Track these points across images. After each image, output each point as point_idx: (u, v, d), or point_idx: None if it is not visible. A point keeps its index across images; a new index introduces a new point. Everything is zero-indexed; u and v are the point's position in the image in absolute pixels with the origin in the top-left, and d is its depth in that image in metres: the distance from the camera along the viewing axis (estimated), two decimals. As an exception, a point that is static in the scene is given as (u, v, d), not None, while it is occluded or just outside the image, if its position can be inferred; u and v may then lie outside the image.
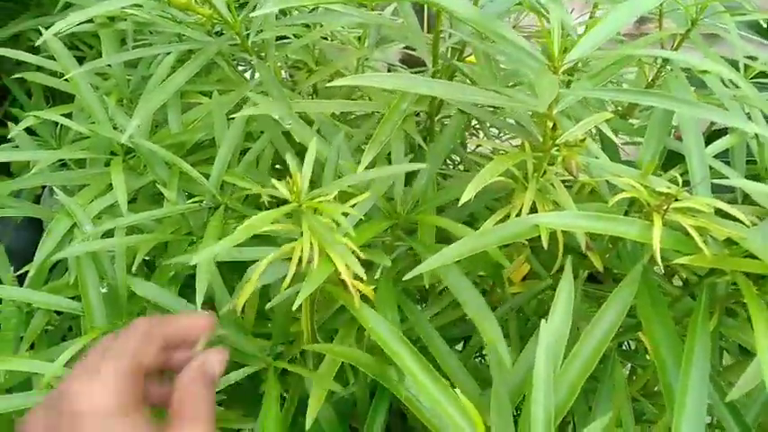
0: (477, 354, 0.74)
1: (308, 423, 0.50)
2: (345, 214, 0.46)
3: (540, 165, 0.46)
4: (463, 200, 0.41)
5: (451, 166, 0.91)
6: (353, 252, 0.44)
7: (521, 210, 0.46)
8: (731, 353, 0.62)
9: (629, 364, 0.66)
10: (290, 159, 0.44)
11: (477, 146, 0.89)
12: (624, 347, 0.69)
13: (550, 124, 0.43)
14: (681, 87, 0.50)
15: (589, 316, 0.44)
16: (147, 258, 0.65)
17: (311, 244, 0.42)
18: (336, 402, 0.61)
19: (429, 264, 0.41)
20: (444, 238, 0.55)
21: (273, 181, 0.43)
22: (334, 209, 0.42)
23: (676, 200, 0.42)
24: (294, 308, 0.41)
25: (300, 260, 0.42)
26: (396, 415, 0.65)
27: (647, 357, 0.63)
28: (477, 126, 0.92)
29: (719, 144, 0.50)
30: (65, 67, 0.65)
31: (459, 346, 0.71)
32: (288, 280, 0.42)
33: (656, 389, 0.63)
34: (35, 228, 1.03)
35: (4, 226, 1.08)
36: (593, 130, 0.59)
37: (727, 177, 0.49)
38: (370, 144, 0.47)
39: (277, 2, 0.46)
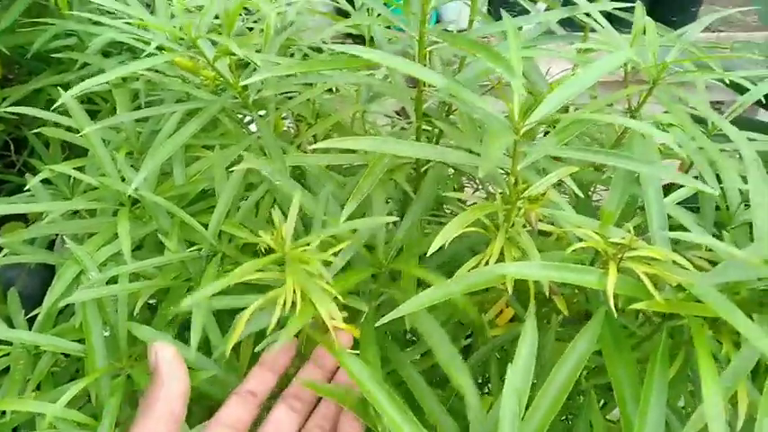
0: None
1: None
2: (329, 263, 0.50)
3: (508, 216, 0.50)
4: (432, 250, 0.44)
5: (449, 212, 0.95)
6: (335, 298, 0.47)
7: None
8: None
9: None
10: (275, 213, 0.48)
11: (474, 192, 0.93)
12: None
13: (512, 180, 0.46)
14: (643, 145, 0.54)
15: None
16: (151, 303, 0.69)
17: (294, 290, 0.46)
18: None
19: (400, 310, 0.44)
20: (429, 284, 0.59)
21: (260, 231, 0.47)
22: (315, 257, 0.46)
23: (632, 249, 0.45)
24: (276, 348, 0.44)
25: (287, 305, 0.46)
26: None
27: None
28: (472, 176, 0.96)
29: (680, 194, 0.54)
30: (79, 123, 0.71)
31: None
32: (272, 325, 0.46)
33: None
34: (47, 273, 1.07)
35: (18, 271, 1.13)
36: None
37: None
38: (352, 196, 0.51)
39: (268, 70, 0.51)
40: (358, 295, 0.62)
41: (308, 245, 0.48)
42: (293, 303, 0.46)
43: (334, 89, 0.99)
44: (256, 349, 0.51)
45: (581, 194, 0.52)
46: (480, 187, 0.91)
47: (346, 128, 0.84)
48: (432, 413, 0.55)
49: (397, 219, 0.53)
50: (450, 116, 0.83)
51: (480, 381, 0.75)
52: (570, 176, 0.52)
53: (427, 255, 0.44)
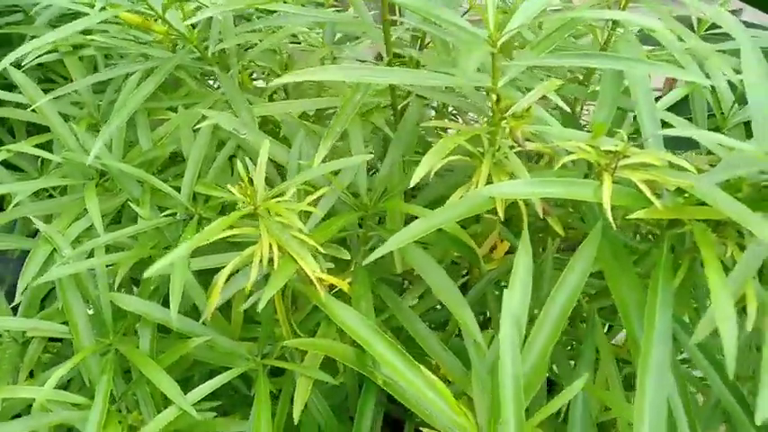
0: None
1: (296, 413, 0.51)
2: (307, 213, 0.47)
3: (493, 139, 0.47)
4: (414, 180, 0.41)
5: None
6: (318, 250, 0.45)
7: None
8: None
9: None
10: (241, 164, 0.44)
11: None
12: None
13: (494, 97, 0.43)
14: (629, 47, 0.50)
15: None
16: (133, 277, 0.66)
17: (270, 245, 0.43)
18: (330, 395, 0.61)
19: (388, 245, 0.41)
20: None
21: (228, 186, 0.44)
22: (289, 208, 0.43)
23: (625, 157, 0.42)
24: (260, 308, 0.42)
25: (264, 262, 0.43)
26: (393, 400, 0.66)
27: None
28: (455, 112, 0.93)
29: (672, 96, 0.51)
30: (30, 97, 0.66)
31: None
32: (250, 283, 0.43)
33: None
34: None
35: (6, 262, 1.09)
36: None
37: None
38: (325, 137, 0.48)
39: (215, 8, 0.46)
40: (346, 242, 0.60)
41: (282, 195, 0.45)
42: (271, 259, 0.43)
43: (300, 39, 0.94)
44: (239, 309, 0.49)
45: (567, 109, 0.49)
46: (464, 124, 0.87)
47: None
48: (433, 353, 0.54)
49: (368, 157, 0.50)
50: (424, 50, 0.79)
51: (480, 321, 0.73)
52: (556, 93, 0.48)
53: (410, 187, 0.41)
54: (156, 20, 0.64)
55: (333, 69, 0.43)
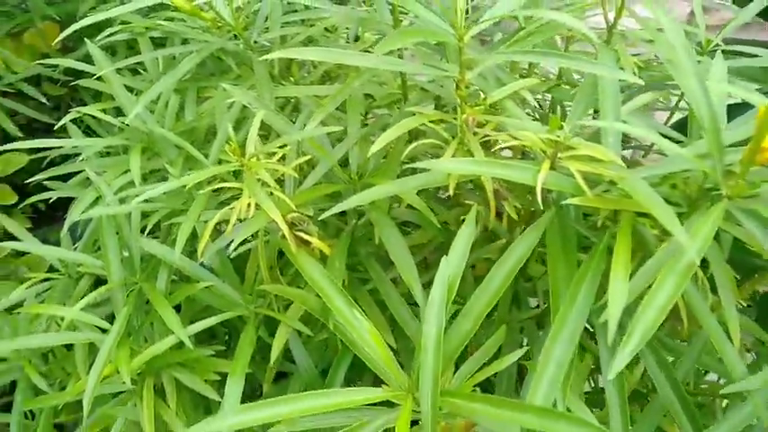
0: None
1: (273, 357, 0.58)
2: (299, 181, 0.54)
3: (461, 126, 0.52)
4: (371, 151, 0.47)
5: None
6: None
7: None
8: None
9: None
10: (228, 127, 0.52)
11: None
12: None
13: (455, 86, 0.48)
14: (606, 54, 0.53)
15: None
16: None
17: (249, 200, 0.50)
18: (315, 349, 0.68)
19: (347, 203, 0.48)
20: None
21: (226, 146, 0.52)
22: (269, 168, 0.50)
23: (572, 149, 0.46)
24: (231, 249, 0.49)
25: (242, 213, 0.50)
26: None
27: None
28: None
29: (637, 101, 0.53)
30: (99, 65, 0.78)
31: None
32: (229, 229, 0.50)
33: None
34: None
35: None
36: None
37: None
38: (317, 111, 0.55)
39: None
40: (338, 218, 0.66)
41: (269, 157, 0.52)
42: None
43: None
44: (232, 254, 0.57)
45: (539, 107, 0.53)
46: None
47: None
48: (402, 320, 0.59)
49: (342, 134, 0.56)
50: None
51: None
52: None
53: (368, 156, 0.47)
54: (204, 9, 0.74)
55: (314, 51, 0.50)
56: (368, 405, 0.44)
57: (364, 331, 0.48)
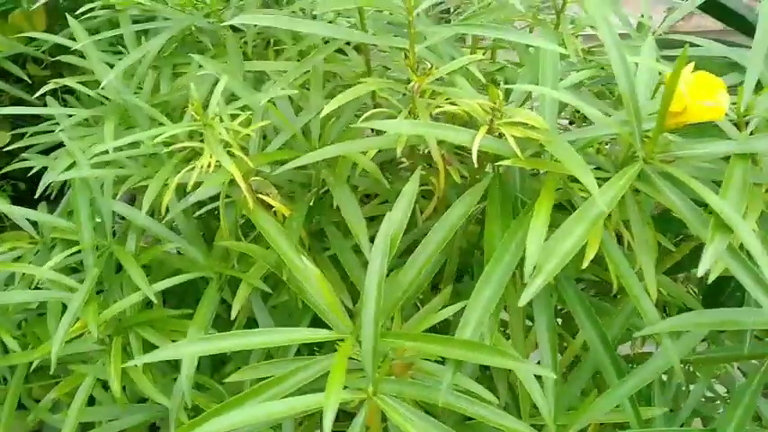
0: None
1: (234, 312, 0.62)
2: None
3: (411, 96, 0.56)
4: (324, 111, 0.51)
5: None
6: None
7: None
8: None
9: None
10: (193, 89, 0.55)
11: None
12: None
13: (404, 55, 0.52)
14: (547, 30, 0.58)
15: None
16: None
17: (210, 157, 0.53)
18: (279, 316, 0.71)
19: (304, 158, 0.51)
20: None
21: (189, 106, 0.55)
22: (225, 126, 0.54)
23: (507, 116, 0.50)
24: (191, 200, 0.53)
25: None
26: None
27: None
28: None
29: (573, 78, 0.57)
30: (78, 37, 0.81)
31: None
32: (190, 184, 0.54)
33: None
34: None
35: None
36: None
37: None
38: (279, 81, 0.58)
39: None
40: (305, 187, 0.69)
41: (221, 119, 0.55)
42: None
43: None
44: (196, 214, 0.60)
45: (484, 81, 0.57)
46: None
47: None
48: (356, 278, 0.62)
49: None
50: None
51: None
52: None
53: (322, 114, 0.50)
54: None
55: (267, 18, 0.54)
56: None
57: (312, 277, 0.51)
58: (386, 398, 0.46)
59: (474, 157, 0.48)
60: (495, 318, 0.47)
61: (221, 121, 0.55)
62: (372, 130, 0.64)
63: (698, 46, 0.60)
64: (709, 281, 0.43)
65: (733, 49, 0.57)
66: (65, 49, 0.90)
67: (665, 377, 0.74)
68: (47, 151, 0.95)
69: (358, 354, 0.48)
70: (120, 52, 1.13)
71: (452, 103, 0.55)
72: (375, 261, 0.48)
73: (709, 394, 0.88)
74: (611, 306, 0.65)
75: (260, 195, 0.60)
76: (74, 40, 0.87)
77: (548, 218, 0.44)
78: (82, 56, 0.90)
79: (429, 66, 0.53)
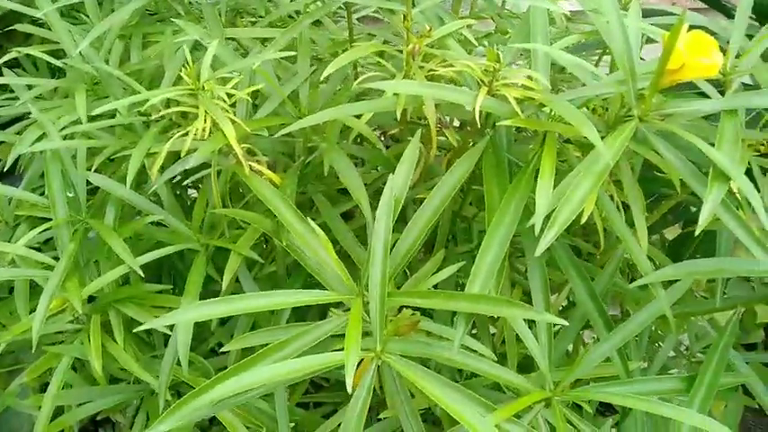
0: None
1: (225, 283, 0.61)
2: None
3: (407, 57, 0.56)
4: (325, 73, 0.50)
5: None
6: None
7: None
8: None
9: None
10: (186, 51, 0.54)
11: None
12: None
13: (402, 17, 0.52)
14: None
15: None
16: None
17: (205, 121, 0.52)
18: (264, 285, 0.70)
19: (295, 125, 0.50)
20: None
21: (182, 71, 0.54)
22: (219, 88, 0.52)
23: (504, 77, 0.51)
24: (189, 165, 0.51)
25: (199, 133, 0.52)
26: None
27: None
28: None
29: (564, 42, 0.58)
30: (41, 6, 0.76)
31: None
32: (185, 149, 0.52)
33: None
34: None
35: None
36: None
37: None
38: (270, 46, 0.57)
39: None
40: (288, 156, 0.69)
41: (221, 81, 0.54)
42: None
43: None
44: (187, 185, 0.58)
45: (475, 43, 0.57)
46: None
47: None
48: (347, 244, 0.62)
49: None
50: None
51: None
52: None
53: (320, 79, 0.50)
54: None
55: None
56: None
57: (317, 242, 0.51)
58: (392, 356, 0.47)
59: (476, 116, 0.48)
60: (498, 277, 0.48)
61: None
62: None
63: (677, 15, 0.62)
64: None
65: (713, 21, 0.59)
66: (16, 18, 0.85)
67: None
68: (3, 126, 0.90)
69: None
70: (77, 18, 1.08)
71: (446, 67, 0.55)
72: (380, 222, 0.48)
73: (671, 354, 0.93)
74: (595, 268, 0.67)
75: (250, 163, 0.59)
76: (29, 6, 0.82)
77: (553, 173, 0.45)
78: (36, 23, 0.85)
79: (427, 28, 0.53)
